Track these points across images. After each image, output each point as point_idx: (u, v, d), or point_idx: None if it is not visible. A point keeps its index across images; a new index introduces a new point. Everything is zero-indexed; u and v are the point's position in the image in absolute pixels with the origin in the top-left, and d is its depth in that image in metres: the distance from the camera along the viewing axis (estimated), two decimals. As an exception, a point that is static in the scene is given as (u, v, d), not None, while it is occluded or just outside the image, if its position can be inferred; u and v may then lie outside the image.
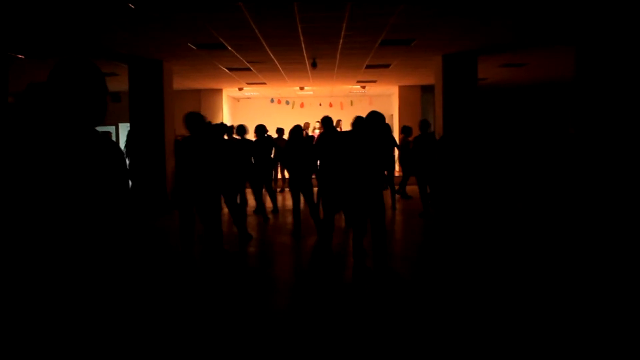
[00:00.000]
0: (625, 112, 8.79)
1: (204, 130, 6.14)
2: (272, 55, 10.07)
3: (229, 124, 12.31)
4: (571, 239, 7.30)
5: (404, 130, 12.21)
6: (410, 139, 11.51)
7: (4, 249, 1.81)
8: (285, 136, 12.52)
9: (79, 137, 1.92)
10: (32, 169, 1.83)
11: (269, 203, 10.94)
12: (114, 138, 13.54)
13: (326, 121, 7.68)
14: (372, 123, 5.49)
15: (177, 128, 12.18)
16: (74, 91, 1.94)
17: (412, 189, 12.04)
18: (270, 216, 9.80)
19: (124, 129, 15.33)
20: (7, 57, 9.03)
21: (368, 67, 11.97)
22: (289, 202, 10.67)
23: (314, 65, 10.82)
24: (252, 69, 11.71)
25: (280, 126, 12.92)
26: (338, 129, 13.74)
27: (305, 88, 16.48)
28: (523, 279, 5.33)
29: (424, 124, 10.03)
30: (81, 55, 1.65)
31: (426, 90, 16.22)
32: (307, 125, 14.67)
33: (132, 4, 6.19)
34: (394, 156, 9.44)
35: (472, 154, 7.90)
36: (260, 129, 9.38)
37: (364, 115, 5.89)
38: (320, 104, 19.34)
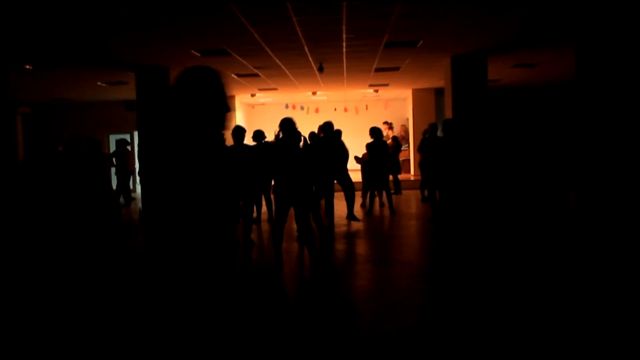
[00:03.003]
0: (625, 111, 8.51)
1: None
2: (277, 61, 10.04)
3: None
4: (577, 241, 7.07)
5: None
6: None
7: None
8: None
9: (208, 139, 2.27)
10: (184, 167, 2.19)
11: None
12: (129, 147, 13.60)
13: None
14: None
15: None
16: (199, 95, 2.23)
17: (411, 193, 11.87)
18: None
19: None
20: (7, 67, 9.17)
21: (377, 70, 11.85)
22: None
23: (320, 69, 10.76)
24: (260, 74, 11.70)
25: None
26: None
27: (319, 93, 16.43)
28: (527, 283, 5.16)
29: (432, 128, 9.91)
30: (203, 66, 2.00)
31: (439, 93, 16.04)
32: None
33: (126, 13, 6.21)
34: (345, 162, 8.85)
35: (477, 157, 7.70)
36: (259, 135, 8.40)
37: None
38: (335, 109, 19.27)
